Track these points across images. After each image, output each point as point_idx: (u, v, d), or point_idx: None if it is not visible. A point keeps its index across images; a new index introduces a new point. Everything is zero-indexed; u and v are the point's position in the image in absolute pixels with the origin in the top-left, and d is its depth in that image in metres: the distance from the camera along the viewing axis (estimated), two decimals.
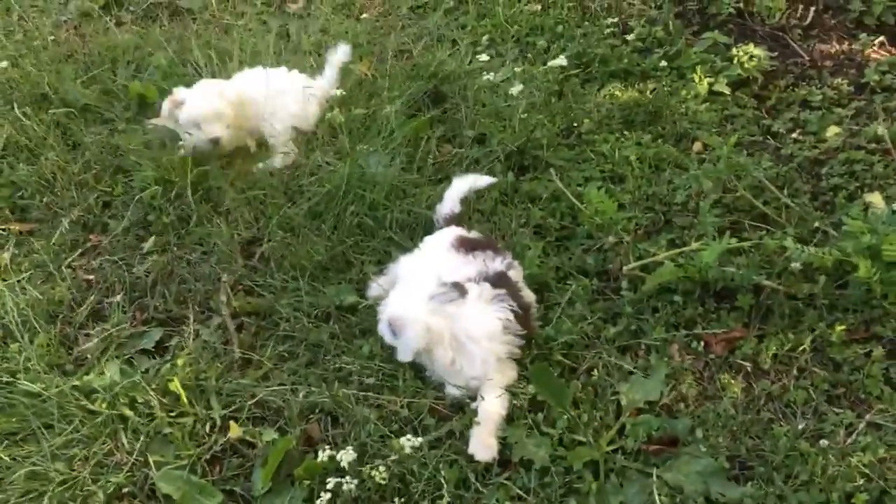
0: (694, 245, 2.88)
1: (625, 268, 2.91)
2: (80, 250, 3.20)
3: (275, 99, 3.50)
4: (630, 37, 4.13)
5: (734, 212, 3.15)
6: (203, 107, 3.38)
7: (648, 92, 3.80)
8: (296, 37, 4.23)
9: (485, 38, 4.21)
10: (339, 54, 3.71)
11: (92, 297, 3.00)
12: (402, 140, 3.43)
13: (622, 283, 2.89)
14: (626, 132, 3.57)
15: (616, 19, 4.26)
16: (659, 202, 3.22)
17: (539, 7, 4.42)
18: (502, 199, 3.26)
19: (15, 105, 3.72)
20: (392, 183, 3.20)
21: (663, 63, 3.94)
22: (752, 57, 3.90)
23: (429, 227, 3.07)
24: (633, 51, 4.07)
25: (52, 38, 4.33)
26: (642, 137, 3.52)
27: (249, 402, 2.57)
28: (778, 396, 2.52)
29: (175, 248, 3.14)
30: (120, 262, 3.11)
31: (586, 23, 4.26)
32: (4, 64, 3.93)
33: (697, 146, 3.54)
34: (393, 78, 3.81)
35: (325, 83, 3.68)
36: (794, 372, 2.59)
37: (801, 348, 2.62)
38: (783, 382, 2.56)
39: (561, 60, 3.74)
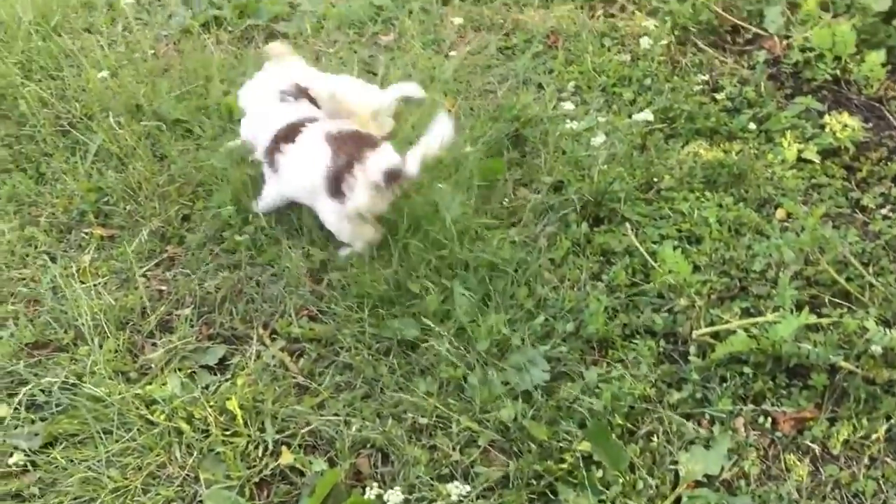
0: (769, 316, 2.79)
1: (695, 332, 2.83)
2: (156, 260, 3.28)
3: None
4: (720, 95, 4.06)
5: (814, 285, 3.03)
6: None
7: (734, 153, 3.72)
8: (383, 69, 4.28)
9: (571, 84, 4.19)
10: (408, 88, 3.76)
11: (162, 308, 3.07)
12: (478, 179, 3.43)
13: (690, 347, 2.81)
14: (707, 192, 3.49)
15: (707, 76, 4.19)
16: (736, 267, 3.13)
17: (628, 58, 4.38)
18: (574, 249, 3.22)
19: (110, 114, 3.86)
20: (464, 224, 3.20)
21: (752, 125, 3.85)
22: (845, 126, 3.79)
23: (496, 270, 3.07)
24: (721, 109, 3.99)
25: (152, 51, 4.48)
26: (723, 199, 3.44)
27: (303, 430, 2.58)
28: (846, 485, 2.41)
29: (247, 267, 3.18)
30: (192, 276, 3.18)
31: (676, 77, 4.20)
32: (105, 74, 4.08)
33: (780, 213, 3.44)
34: (476, 117, 3.82)
35: (385, 100, 3.68)
36: (866, 460, 2.47)
37: (874, 436, 2.50)
38: (852, 470, 2.45)
39: (647, 115, 3.69)
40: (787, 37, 4.44)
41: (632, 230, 3.22)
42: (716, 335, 2.82)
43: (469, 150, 3.47)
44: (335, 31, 4.74)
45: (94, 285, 3.11)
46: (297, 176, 3.15)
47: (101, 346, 2.83)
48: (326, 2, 4.98)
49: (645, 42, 4.32)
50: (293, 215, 3.34)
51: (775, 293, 2.93)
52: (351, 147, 3.03)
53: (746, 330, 2.75)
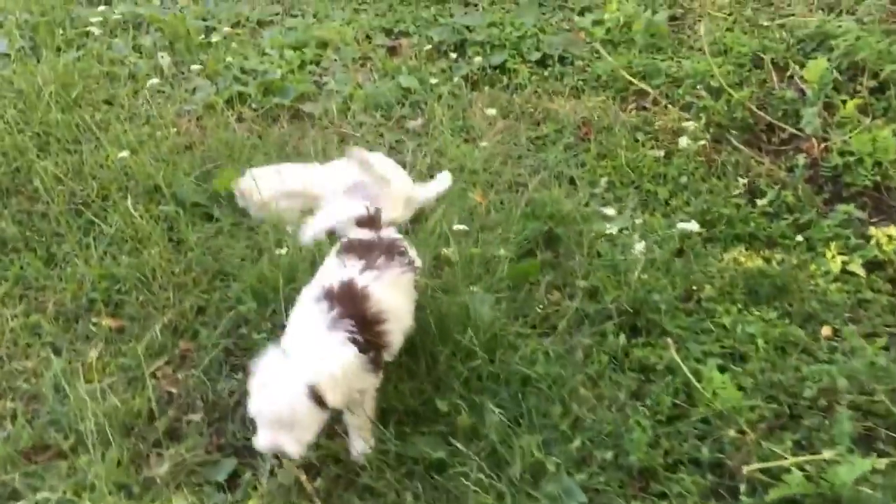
0: (826, 454, 2.58)
1: (745, 468, 2.62)
2: (166, 357, 3.09)
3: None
4: (760, 200, 3.91)
5: (869, 416, 2.84)
6: None
7: (775, 262, 3.55)
8: (411, 155, 4.16)
9: (604, 180, 4.04)
10: (442, 181, 3.76)
11: (171, 412, 2.87)
12: (511, 283, 3.27)
13: (741, 484, 2.60)
14: (749, 305, 3.32)
15: (745, 179, 4.05)
16: (785, 392, 2.93)
17: (663, 154, 4.26)
18: (611, 363, 3.03)
19: (128, 195, 3.71)
20: (495, 330, 3.01)
21: (795, 235, 3.69)
22: (890, 238, 3.63)
23: (529, 385, 2.87)
24: (761, 214, 3.85)
25: (175, 129, 4.36)
26: (768, 314, 3.26)
27: None
28: None
29: None
30: (204, 378, 2.98)
31: (714, 179, 4.06)
32: (125, 154, 3.95)
33: (826, 331, 3.25)
34: (507, 212, 3.67)
35: (422, 192, 3.69)
36: None
37: None
38: None
39: (692, 225, 3.54)
40: (826, 139, 4.32)
41: (673, 346, 3.03)
42: (767, 471, 2.61)
43: (502, 253, 3.30)
44: (361, 112, 4.63)
45: (100, 383, 2.91)
46: None
47: (102, 457, 2.62)
48: (353, 83, 4.89)
49: (683, 141, 4.19)
50: None
51: (829, 425, 2.73)
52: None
53: (802, 469, 2.55)
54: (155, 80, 4.79)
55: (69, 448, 2.72)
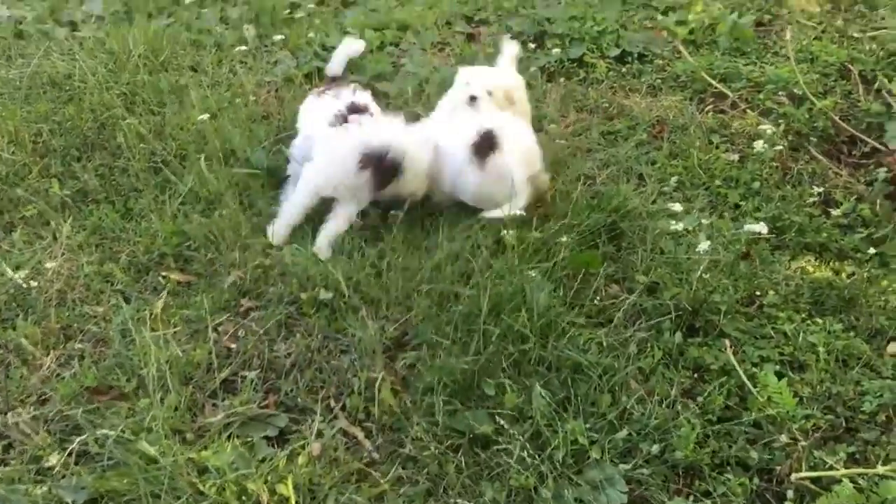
0: (880, 468, 2.52)
1: (794, 475, 2.57)
2: (229, 314, 3.18)
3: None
4: (835, 211, 3.82)
5: None
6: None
7: (845, 274, 3.47)
8: None
9: (674, 179, 3.99)
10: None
11: (229, 367, 2.95)
12: (569, 271, 3.26)
13: (788, 491, 2.55)
14: (814, 315, 3.24)
15: (821, 189, 3.95)
16: (843, 405, 2.86)
17: (737, 157, 4.18)
18: (665, 359, 3.01)
19: (202, 157, 3.82)
20: (550, 317, 3.02)
21: (871, 251, 3.59)
22: None
23: (579, 372, 2.87)
24: (833, 225, 3.75)
25: (253, 97, 4.48)
26: (832, 325, 3.18)
27: None
28: None
29: (319, 336, 3.05)
30: (263, 337, 3.06)
31: (788, 186, 3.98)
32: (205, 117, 4.07)
33: (892, 348, 3.16)
34: (572, 202, 3.66)
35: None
36: None
37: None
38: None
39: (760, 227, 3.47)
40: None
41: (730, 348, 2.99)
42: (817, 480, 2.56)
43: (563, 240, 3.30)
44: (436, 96, 4.65)
45: (164, 334, 3.01)
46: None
47: (162, 402, 2.72)
48: (430, 65, 4.93)
49: (759, 145, 4.10)
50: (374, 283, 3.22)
51: (886, 441, 2.66)
52: None
53: (853, 480, 2.49)
54: (242, 48, 4.91)
55: (131, 391, 2.82)
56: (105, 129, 4.19)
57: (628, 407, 2.79)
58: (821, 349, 3.06)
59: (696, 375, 2.97)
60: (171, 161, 3.93)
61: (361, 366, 2.93)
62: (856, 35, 5.30)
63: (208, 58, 4.91)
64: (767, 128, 4.27)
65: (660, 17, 5.52)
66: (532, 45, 5.19)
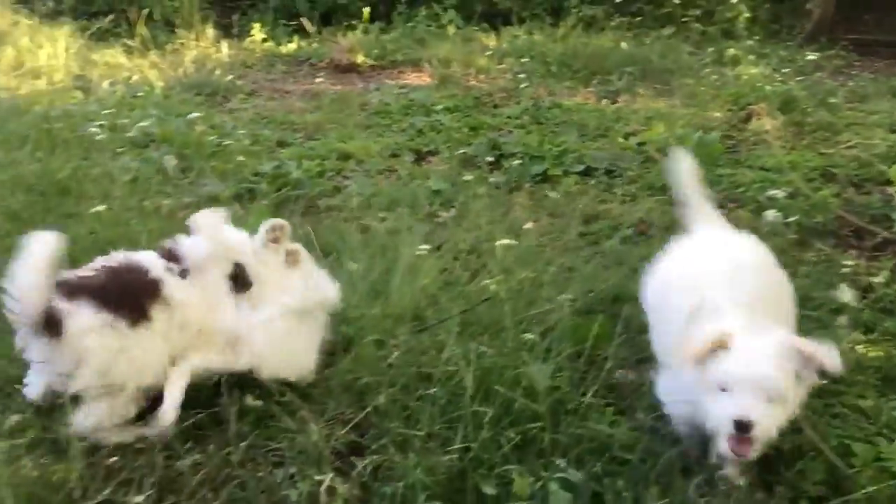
0: None
1: None
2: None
3: None
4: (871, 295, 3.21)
5: None
6: None
7: None
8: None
9: None
10: None
11: (107, 491, 2.03)
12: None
13: None
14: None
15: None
16: None
17: None
18: None
19: None
20: (554, 398, 2.22)
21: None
22: None
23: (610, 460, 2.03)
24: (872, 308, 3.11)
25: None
26: None
27: None
28: None
29: (240, 445, 2.18)
30: (160, 448, 2.16)
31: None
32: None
33: None
34: (559, 286, 2.97)
35: None
36: None
37: None
38: None
39: None
40: None
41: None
42: None
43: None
44: (384, 210, 4.04)
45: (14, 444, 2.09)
46: None
47: None
48: (376, 187, 4.36)
49: (770, 215, 3.58)
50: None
51: None
52: None
53: None
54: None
55: None
56: None
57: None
58: None
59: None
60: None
61: (302, 476, 2.04)
62: (829, 151, 5.01)
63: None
64: (770, 213, 3.74)
65: (621, 140, 5.17)
66: (488, 167, 4.71)
